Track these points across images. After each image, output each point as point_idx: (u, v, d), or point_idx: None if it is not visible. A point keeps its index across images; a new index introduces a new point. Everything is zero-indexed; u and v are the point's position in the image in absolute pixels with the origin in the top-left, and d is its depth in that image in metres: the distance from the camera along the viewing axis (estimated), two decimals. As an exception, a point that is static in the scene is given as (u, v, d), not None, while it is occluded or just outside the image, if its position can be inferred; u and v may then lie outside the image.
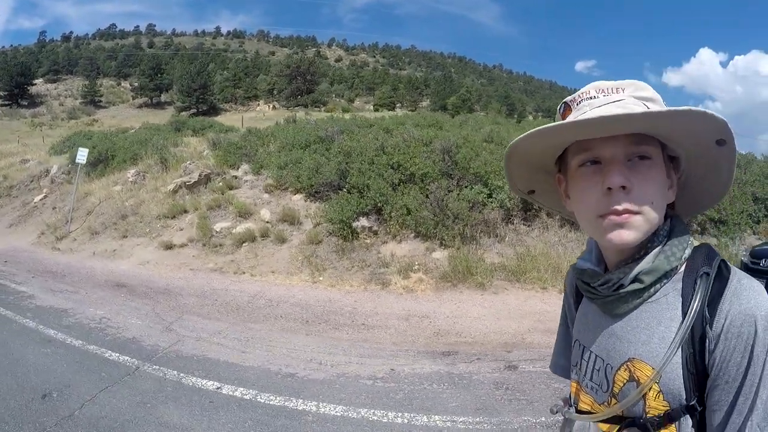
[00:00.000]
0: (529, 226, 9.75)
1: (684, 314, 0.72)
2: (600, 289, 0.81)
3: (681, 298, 0.74)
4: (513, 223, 9.53)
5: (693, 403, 0.70)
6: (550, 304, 7.05)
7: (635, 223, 0.73)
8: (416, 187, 9.09)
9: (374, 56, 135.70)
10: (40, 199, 13.87)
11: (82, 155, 11.38)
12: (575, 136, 0.77)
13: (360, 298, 6.61)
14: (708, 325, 0.69)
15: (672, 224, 0.79)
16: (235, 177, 11.44)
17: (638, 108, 0.73)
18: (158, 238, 9.14)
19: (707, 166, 0.80)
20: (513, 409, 3.49)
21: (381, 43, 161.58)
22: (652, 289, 0.76)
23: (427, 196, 9.01)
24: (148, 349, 4.53)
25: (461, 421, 3.31)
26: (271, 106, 57.06)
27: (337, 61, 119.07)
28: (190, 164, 12.19)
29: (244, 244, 8.52)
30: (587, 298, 0.88)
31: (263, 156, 11.89)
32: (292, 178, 10.13)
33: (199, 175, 11.09)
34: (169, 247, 8.59)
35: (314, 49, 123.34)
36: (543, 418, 3.30)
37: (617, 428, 0.78)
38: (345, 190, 9.19)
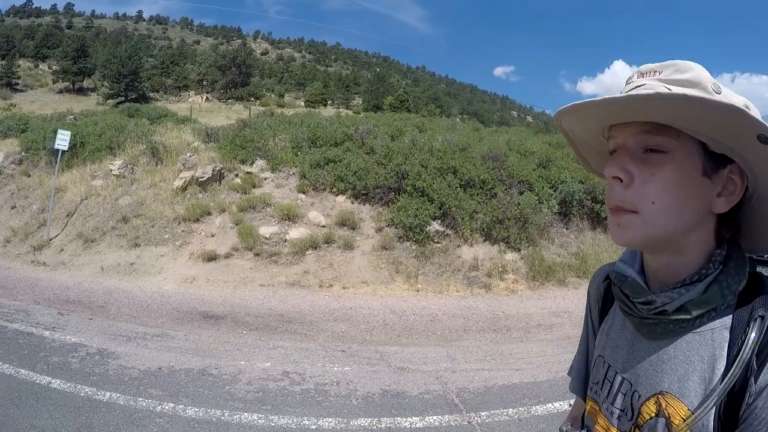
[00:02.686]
0: (567, 228, 9.57)
1: (729, 357, 0.59)
2: (640, 307, 0.65)
3: (729, 336, 0.60)
4: (554, 226, 9.33)
5: None
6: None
7: (629, 222, 0.62)
8: (480, 191, 8.37)
9: (300, 51, 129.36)
10: (-15, 196, 10.68)
11: (64, 140, 8.62)
12: (589, 121, 0.68)
13: (488, 302, 6.13)
14: (753, 377, 0.57)
15: (729, 250, 0.63)
16: (250, 173, 9.57)
17: (653, 92, 0.58)
18: (186, 247, 7.17)
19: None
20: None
21: (306, 38, 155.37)
22: (697, 321, 0.62)
23: (490, 200, 8.41)
24: (446, 402, 3.25)
25: None
26: (204, 97, 51.83)
27: (263, 54, 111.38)
28: (190, 157, 9.99)
29: (307, 252, 6.95)
30: (622, 312, 0.71)
31: (277, 152, 10.13)
32: (332, 178, 8.63)
33: (213, 171, 9.07)
34: (211, 258, 6.71)
35: (239, 41, 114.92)
36: None
37: None
38: (406, 193, 8.06)
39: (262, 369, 3.68)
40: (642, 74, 0.65)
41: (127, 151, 10.66)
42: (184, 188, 8.77)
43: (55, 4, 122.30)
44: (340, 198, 8.58)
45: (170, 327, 4.63)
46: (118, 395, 3.13)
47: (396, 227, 7.75)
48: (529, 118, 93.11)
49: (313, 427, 2.87)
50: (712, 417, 0.59)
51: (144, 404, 3.03)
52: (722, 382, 0.58)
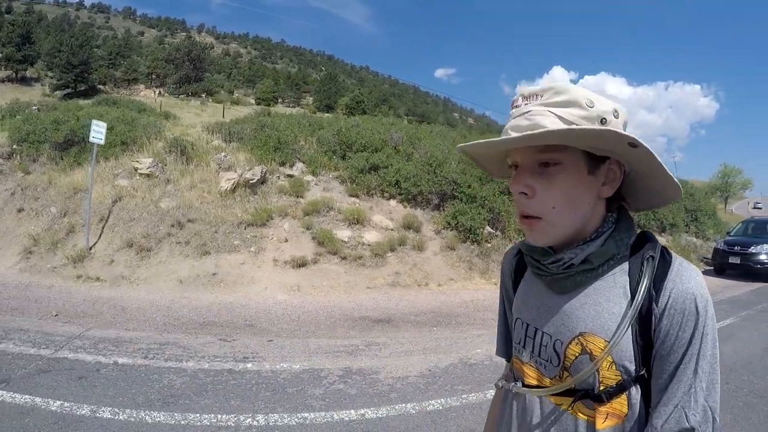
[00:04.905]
0: None
1: (632, 292, 0.68)
2: (550, 267, 0.73)
3: (628, 278, 0.69)
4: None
5: (642, 372, 0.68)
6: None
7: (538, 228, 0.70)
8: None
9: (246, 47, 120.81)
10: (-24, 197, 8.90)
11: (100, 131, 7.17)
12: (491, 148, 0.73)
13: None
14: (654, 302, 0.66)
15: (620, 214, 0.74)
16: (291, 176, 8.92)
17: (544, 120, 0.65)
18: (264, 253, 6.50)
19: (640, 163, 0.70)
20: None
21: (251, 33, 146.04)
22: (600, 269, 0.70)
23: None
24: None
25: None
26: (157, 92, 47.11)
27: (203, 48, 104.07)
28: (225, 157, 9.08)
29: (387, 255, 6.64)
30: (534, 275, 0.78)
31: (312, 154, 9.55)
32: (384, 183, 8.31)
33: (261, 173, 8.32)
34: (301, 264, 6.14)
35: (184, 34, 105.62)
36: None
37: (571, 400, 0.71)
38: (458, 198, 8.00)
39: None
40: (525, 97, 0.69)
41: (149, 148, 9.42)
42: (232, 190, 7.97)
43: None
44: (392, 202, 8.30)
45: (362, 335, 4.14)
46: (471, 396, 2.87)
47: (453, 230, 7.67)
48: (471, 120, 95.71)
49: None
50: (631, 342, 0.66)
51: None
52: (630, 309, 0.66)
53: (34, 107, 17.98)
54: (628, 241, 0.71)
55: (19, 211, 8.27)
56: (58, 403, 2.63)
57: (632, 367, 0.67)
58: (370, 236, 6.93)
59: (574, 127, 0.63)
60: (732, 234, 11.62)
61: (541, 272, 0.74)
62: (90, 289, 5.93)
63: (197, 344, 3.84)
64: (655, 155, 0.66)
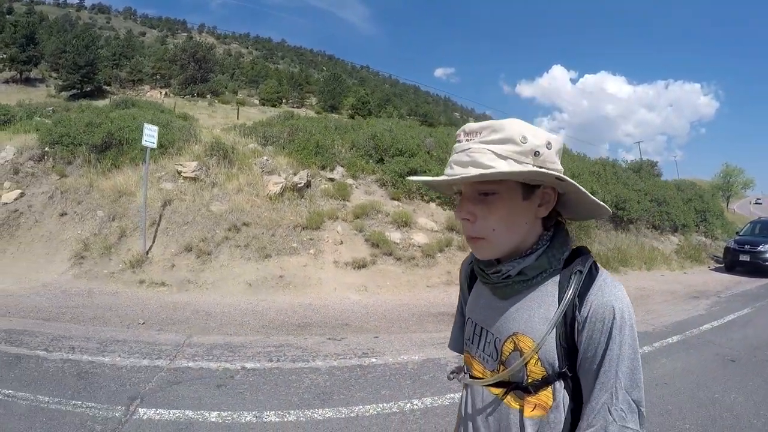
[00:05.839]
0: (598, 229, 10.27)
1: (560, 301, 0.75)
2: (492, 276, 0.81)
3: (558, 288, 0.77)
4: (592, 227, 10.03)
5: (564, 370, 0.75)
6: (667, 276, 9.24)
7: (481, 246, 0.78)
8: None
9: (247, 47, 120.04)
10: (15, 199, 8.86)
11: (152, 135, 7.04)
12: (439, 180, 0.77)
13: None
14: (577, 311, 0.74)
15: (555, 231, 0.81)
16: (333, 180, 9.00)
17: (481, 157, 0.72)
18: (323, 255, 6.56)
19: (570, 189, 0.78)
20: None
21: (252, 33, 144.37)
22: (534, 280, 0.78)
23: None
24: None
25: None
26: (162, 93, 46.67)
27: (209, 49, 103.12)
28: (267, 161, 9.14)
29: (437, 255, 6.76)
30: (481, 282, 0.87)
31: (350, 158, 9.63)
32: (424, 187, 8.38)
33: (307, 177, 8.38)
34: (361, 265, 6.21)
35: (185, 34, 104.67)
36: None
37: (505, 390, 0.80)
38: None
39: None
40: (467, 134, 0.76)
41: (188, 151, 9.43)
42: (281, 194, 8.04)
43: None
44: (432, 205, 8.40)
45: (447, 328, 4.29)
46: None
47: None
48: (471, 120, 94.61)
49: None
50: (554, 345, 0.74)
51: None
52: (554, 316, 0.74)
53: (49, 109, 17.77)
54: (561, 257, 0.78)
55: (62, 215, 8.20)
56: (215, 413, 2.56)
57: (555, 364, 0.74)
58: (419, 238, 7.03)
59: (500, 171, 0.70)
60: (741, 234, 12.07)
61: (486, 280, 0.83)
62: (158, 294, 5.93)
63: (311, 344, 3.84)
64: (578, 186, 0.75)
